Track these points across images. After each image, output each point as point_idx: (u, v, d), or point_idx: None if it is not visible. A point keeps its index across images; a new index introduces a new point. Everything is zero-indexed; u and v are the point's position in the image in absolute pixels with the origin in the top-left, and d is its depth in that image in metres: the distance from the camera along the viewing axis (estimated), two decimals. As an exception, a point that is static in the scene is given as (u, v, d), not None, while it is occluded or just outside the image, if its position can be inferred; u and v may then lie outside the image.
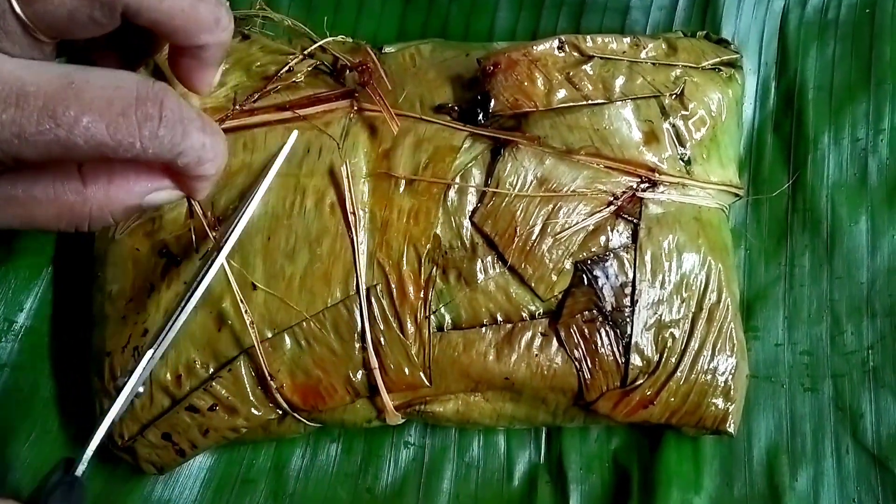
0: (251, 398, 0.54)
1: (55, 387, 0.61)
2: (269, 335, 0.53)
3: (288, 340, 0.53)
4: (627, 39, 0.59)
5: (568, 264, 0.55)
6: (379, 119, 0.56)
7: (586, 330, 0.55)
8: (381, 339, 0.53)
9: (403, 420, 0.57)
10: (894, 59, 0.66)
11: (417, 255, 0.54)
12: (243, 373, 0.53)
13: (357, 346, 0.54)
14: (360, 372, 0.54)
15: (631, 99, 0.57)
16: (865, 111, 0.66)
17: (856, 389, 0.62)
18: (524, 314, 0.55)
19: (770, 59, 0.69)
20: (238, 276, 0.53)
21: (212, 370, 0.53)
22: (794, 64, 0.68)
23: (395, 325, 0.54)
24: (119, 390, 0.49)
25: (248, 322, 0.52)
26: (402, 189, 0.55)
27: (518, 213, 0.55)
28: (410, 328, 0.54)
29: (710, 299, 0.56)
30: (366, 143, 0.56)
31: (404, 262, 0.54)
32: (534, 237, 0.55)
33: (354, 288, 0.54)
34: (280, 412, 0.55)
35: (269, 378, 0.53)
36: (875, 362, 0.62)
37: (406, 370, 0.54)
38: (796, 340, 0.64)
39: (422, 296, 0.54)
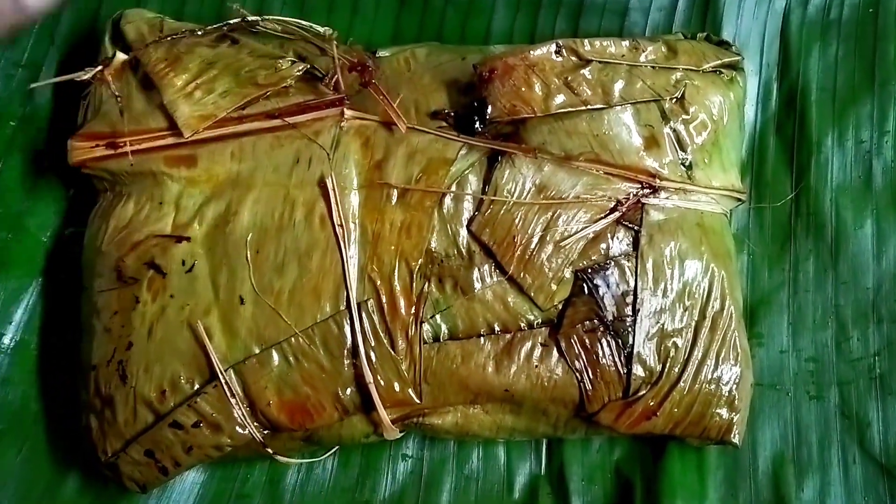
0: (236, 415, 0.52)
1: (45, 401, 0.59)
2: (257, 351, 0.51)
3: (276, 356, 0.51)
4: (626, 43, 0.57)
5: (568, 273, 0.53)
6: (370, 128, 0.54)
7: (587, 340, 0.53)
8: (372, 356, 0.52)
9: (401, 434, 0.55)
10: (899, 59, 0.65)
11: (409, 269, 0.52)
12: (230, 388, 0.51)
13: (346, 362, 0.52)
14: (350, 389, 0.52)
15: (631, 103, 0.55)
16: (869, 112, 0.65)
17: (862, 397, 0.61)
18: (522, 324, 0.53)
19: (772, 61, 0.67)
20: (226, 290, 0.52)
21: (197, 386, 0.52)
22: (796, 65, 0.66)
23: (385, 342, 0.52)
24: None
25: (211, 354, 0.51)
26: (394, 202, 0.53)
27: (516, 221, 0.53)
28: (401, 344, 0.52)
29: (713, 307, 0.55)
30: (357, 153, 0.54)
31: (395, 276, 0.52)
32: (533, 246, 0.53)
33: (345, 303, 0.52)
34: (266, 431, 0.53)
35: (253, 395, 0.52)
36: (882, 369, 0.61)
37: (396, 386, 0.52)
38: (801, 347, 0.62)
39: (413, 311, 0.52)
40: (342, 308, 0.52)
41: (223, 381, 0.51)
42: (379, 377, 0.52)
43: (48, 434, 0.59)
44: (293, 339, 0.51)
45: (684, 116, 0.56)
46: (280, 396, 0.52)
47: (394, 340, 0.52)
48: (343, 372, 0.52)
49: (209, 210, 0.53)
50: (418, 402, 0.53)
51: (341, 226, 0.52)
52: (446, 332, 0.53)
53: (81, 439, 0.55)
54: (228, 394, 0.51)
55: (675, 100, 0.56)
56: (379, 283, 0.52)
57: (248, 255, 0.52)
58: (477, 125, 0.54)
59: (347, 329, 0.51)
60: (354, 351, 0.51)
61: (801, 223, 0.64)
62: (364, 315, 0.52)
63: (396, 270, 0.52)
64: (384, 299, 0.52)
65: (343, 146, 0.54)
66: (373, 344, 0.52)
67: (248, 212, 0.52)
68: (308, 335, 0.51)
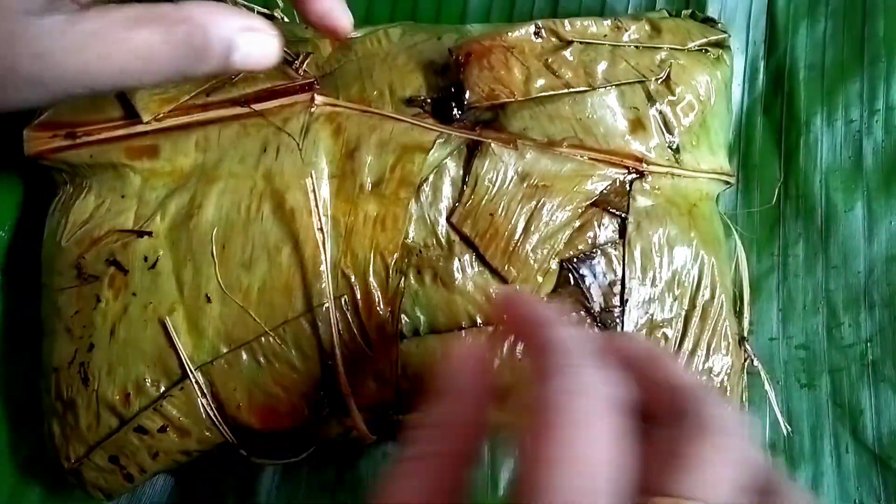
0: (204, 419, 0.49)
1: (7, 404, 0.56)
2: (225, 351, 0.49)
3: (245, 357, 0.49)
4: (608, 22, 0.55)
5: (554, 264, 0.51)
6: (343, 114, 0.51)
7: (573, 332, 0.51)
8: (345, 356, 0.49)
9: (375, 438, 0.53)
10: (888, 35, 0.63)
11: (385, 264, 0.49)
12: (196, 392, 0.49)
13: (320, 362, 0.49)
14: (324, 390, 0.49)
15: (614, 85, 0.53)
16: (859, 91, 0.63)
17: (854, 384, 0.59)
18: (506, 316, 0.51)
19: (758, 38, 0.64)
20: (191, 287, 0.49)
21: (163, 388, 0.49)
22: (783, 42, 0.64)
23: (360, 340, 0.49)
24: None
25: (180, 350, 0.49)
26: (367, 192, 0.50)
27: (499, 211, 0.50)
28: (377, 343, 0.49)
29: (703, 296, 0.53)
30: (328, 140, 0.51)
31: (371, 272, 0.49)
32: (517, 237, 0.50)
33: (317, 300, 0.49)
34: (236, 434, 0.50)
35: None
36: (874, 355, 0.59)
37: (373, 387, 0.50)
38: (791, 334, 0.60)
39: (390, 308, 0.50)
40: (314, 306, 0.49)
41: (193, 381, 0.48)
42: (354, 377, 0.49)
43: (10, 439, 0.55)
44: (263, 338, 0.49)
45: (670, 97, 0.54)
46: (250, 398, 0.49)
47: (369, 339, 0.49)
48: (316, 373, 0.49)
49: (172, 203, 0.50)
50: (396, 400, 0.50)
51: (314, 214, 0.49)
52: (426, 325, 0.51)
53: (43, 446, 0.52)
54: (199, 395, 0.48)
55: (660, 80, 0.54)
56: (353, 278, 0.49)
57: (214, 251, 0.49)
58: (455, 111, 0.51)
59: (320, 328, 0.49)
60: (328, 350, 0.49)
61: (790, 206, 0.62)
62: (338, 313, 0.49)
63: (371, 265, 0.49)
64: (359, 296, 0.49)
65: (312, 133, 0.50)
66: (347, 343, 0.49)
67: (212, 205, 0.49)
68: (279, 334, 0.49)
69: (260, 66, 0.43)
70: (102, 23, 0.38)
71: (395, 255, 0.49)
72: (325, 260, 0.49)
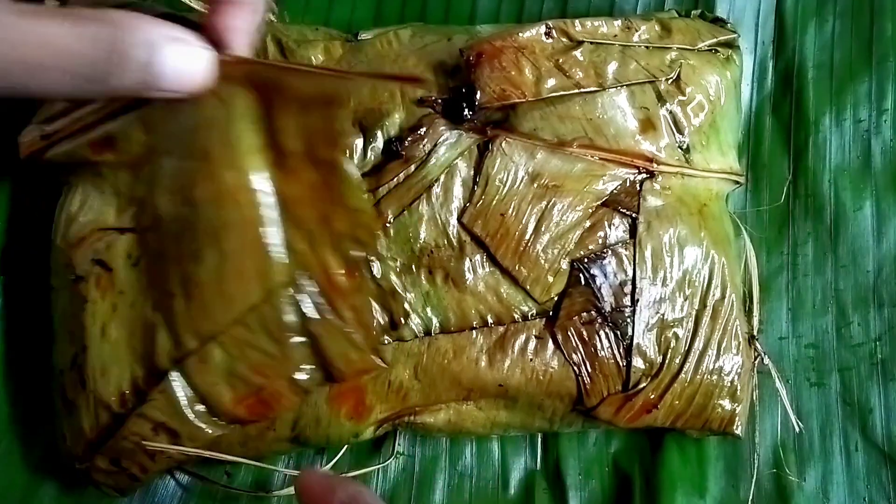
0: (190, 417, 0.47)
1: (16, 405, 0.55)
2: (194, 346, 0.46)
3: (216, 350, 0.46)
4: (618, 22, 0.54)
5: (564, 264, 0.51)
6: (263, 73, 0.44)
7: (585, 332, 0.51)
8: (319, 332, 0.46)
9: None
10: (896, 34, 0.62)
11: (335, 231, 0.45)
12: (176, 390, 0.46)
13: (293, 343, 0.46)
14: (305, 369, 0.47)
15: (625, 85, 0.52)
16: (868, 90, 0.62)
17: (864, 383, 0.59)
18: (516, 315, 0.51)
19: (767, 38, 0.64)
20: (159, 283, 0.47)
21: (147, 388, 0.47)
22: (792, 42, 0.63)
23: (329, 314, 0.46)
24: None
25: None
26: (300, 159, 0.45)
27: (510, 211, 0.50)
28: (348, 313, 0.46)
29: (714, 295, 0.53)
30: (250, 107, 0.44)
31: (320, 241, 0.45)
32: (527, 237, 0.50)
33: (272, 282, 0.45)
34: (228, 427, 0.48)
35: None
36: (883, 354, 0.59)
37: (353, 356, 0.46)
38: (801, 333, 0.60)
39: (348, 272, 0.46)
40: (273, 288, 0.45)
41: (169, 380, 0.46)
42: (332, 353, 0.46)
43: (24, 437, 0.55)
44: (229, 329, 0.46)
45: (681, 98, 0.53)
46: (233, 391, 0.46)
47: (338, 311, 0.46)
48: (292, 354, 0.46)
49: (139, 194, 0.48)
50: (382, 364, 0.48)
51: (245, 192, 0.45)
52: (437, 325, 0.50)
53: (55, 446, 0.52)
54: (176, 396, 0.46)
55: (670, 80, 0.54)
56: (304, 252, 0.45)
57: (170, 246, 0.47)
58: (465, 112, 0.51)
59: (285, 309, 0.46)
60: (298, 330, 0.46)
61: (800, 205, 0.61)
62: (299, 291, 0.46)
63: (319, 234, 0.45)
64: (316, 268, 0.45)
65: (235, 99, 0.44)
66: (315, 318, 0.46)
67: (164, 195, 0.47)
68: (244, 323, 0.46)
69: (186, 85, 0.38)
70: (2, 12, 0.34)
71: (343, 220, 0.45)
72: (271, 239, 0.45)
